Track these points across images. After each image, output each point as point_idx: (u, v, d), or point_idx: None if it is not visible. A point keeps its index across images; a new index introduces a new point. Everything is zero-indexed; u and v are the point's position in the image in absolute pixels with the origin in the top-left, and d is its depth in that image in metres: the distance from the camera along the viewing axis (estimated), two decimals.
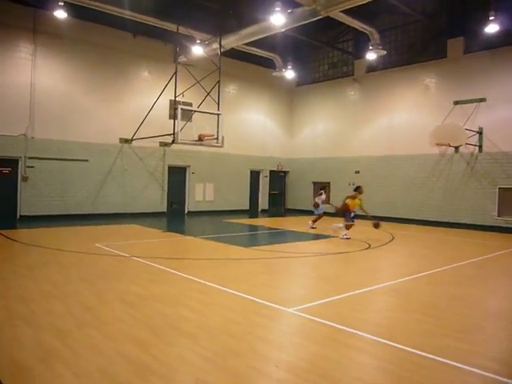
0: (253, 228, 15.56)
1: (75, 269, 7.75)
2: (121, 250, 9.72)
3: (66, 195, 16.01)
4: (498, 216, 16.45)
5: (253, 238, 13.70)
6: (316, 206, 15.93)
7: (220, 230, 14.50)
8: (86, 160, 16.44)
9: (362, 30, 16.32)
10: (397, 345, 4.43)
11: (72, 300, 5.78)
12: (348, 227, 13.00)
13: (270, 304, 5.81)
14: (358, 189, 13.56)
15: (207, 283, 6.80)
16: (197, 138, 15.55)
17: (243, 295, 6.23)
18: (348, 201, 13.00)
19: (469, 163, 17.37)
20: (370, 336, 4.67)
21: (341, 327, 4.96)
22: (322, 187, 16.66)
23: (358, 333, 4.80)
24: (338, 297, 6.31)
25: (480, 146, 17.01)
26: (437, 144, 16.42)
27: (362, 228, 16.04)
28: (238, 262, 8.91)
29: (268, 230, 14.99)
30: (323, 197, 15.99)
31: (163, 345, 4.34)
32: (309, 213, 22.12)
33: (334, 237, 13.27)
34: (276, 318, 5.30)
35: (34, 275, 7.08)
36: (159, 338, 4.51)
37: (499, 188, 16.54)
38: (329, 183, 22.25)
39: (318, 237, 13.23)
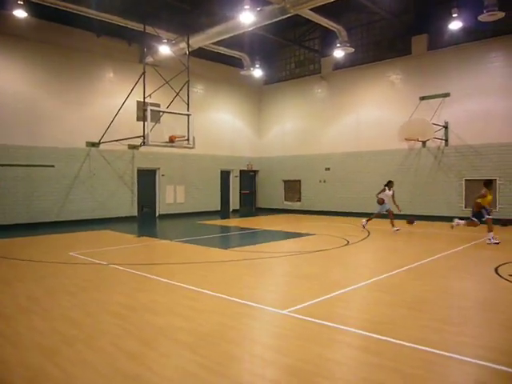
0: (227, 229, 15.38)
1: (52, 280, 7.37)
2: (97, 257, 9.36)
3: (31, 203, 15.35)
4: (465, 207, 16.92)
5: (230, 239, 13.53)
6: (381, 202, 14.51)
7: (195, 233, 14.25)
8: (52, 165, 15.81)
9: (329, 27, 16.42)
10: (398, 341, 4.40)
11: (54, 314, 5.47)
12: (472, 225, 11.53)
13: (262, 306, 5.70)
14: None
15: (195, 288, 6.61)
16: (167, 140, 15.23)
17: (234, 299, 6.08)
18: (480, 200, 11.34)
19: (436, 157, 17.81)
20: (369, 334, 4.63)
21: (338, 326, 4.90)
22: (386, 182, 14.85)
23: (357, 331, 4.76)
24: (328, 296, 6.26)
25: (446, 140, 17.48)
26: (405, 139, 16.74)
27: (336, 224, 16.22)
28: (221, 264, 8.74)
29: (243, 230, 14.86)
30: (389, 192, 14.54)
31: (159, 357, 4.14)
32: (280, 211, 22.20)
33: (311, 234, 13.28)
34: (271, 321, 5.18)
35: (11, 290, 6.68)
36: (154, 349, 4.31)
37: (465, 180, 17.05)
38: (299, 181, 22.38)
39: (294, 235, 13.19)
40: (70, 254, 9.91)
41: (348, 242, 11.59)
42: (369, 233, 13.54)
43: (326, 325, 4.98)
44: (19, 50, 15.20)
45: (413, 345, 4.32)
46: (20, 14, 13.30)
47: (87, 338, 4.63)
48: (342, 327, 4.89)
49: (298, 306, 5.70)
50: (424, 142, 17.31)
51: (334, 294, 6.36)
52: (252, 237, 13.72)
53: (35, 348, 4.35)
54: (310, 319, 5.16)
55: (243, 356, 4.18)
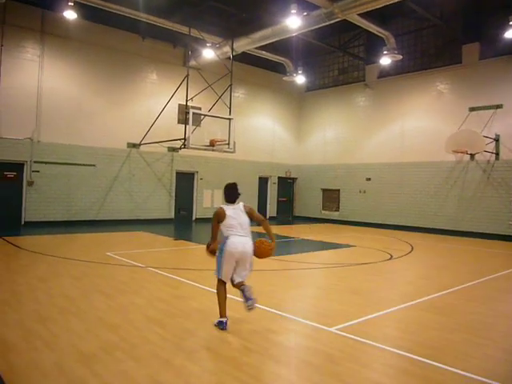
0: (266, 236, 15.08)
1: (89, 280, 7.26)
2: (134, 259, 9.23)
3: (71, 201, 15.52)
4: None
5: None
6: None
7: None
8: (93, 165, 15.98)
9: (377, 33, 15.92)
10: (462, 372, 3.95)
11: (91, 317, 5.28)
12: None
13: (308, 322, 5.33)
14: None
15: (235, 298, 6.30)
16: (207, 143, 15.11)
17: (277, 312, 5.75)
18: None
19: (485, 171, 16.93)
20: (428, 361, 4.19)
21: (392, 350, 4.48)
22: None
23: (413, 357, 4.32)
24: (377, 314, 5.84)
25: (497, 154, 16.59)
26: (453, 151, 15.97)
27: (376, 237, 15.59)
28: (261, 273, 8.41)
29: (282, 238, 14.48)
30: None
31: (202, 372, 3.85)
32: (317, 220, 21.69)
33: (351, 246, 12.79)
34: (320, 339, 4.80)
35: (48, 288, 6.59)
36: (196, 363, 4.03)
37: None
38: (338, 190, 21.84)
39: (335, 246, 12.74)
40: (107, 253, 9.84)
41: (391, 256, 11.05)
42: (412, 247, 12.91)
43: (377, 347, 4.58)
44: (66, 50, 15.47)
45: (480, 378, 3.86)
46: (70, 15, 13.51)
47: (127, 345, 4.39)
48: (396, 351, 4.46)
49: (346, 324, 5.31)
50: (473, 155, 16.48)
51: (382, 312, 5.93)
52: (292, 246, 13.34)
53: (73, 353, 4.15)
54: (359, 339, 4.77)
55: (292, 378, 3.83)
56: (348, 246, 12.88)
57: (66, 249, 10.40)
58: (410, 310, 6.17)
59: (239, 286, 5.15)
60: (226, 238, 5.11)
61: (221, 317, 5.05)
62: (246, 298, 5.01)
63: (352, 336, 4.88)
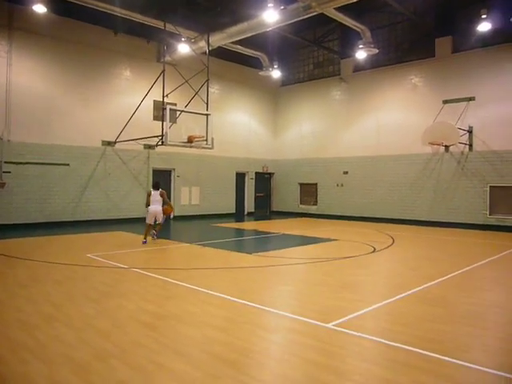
0: (246, 232, 14.94)
1: (73, 284, 6.98)
2: (116, 260, 8.96)
3: (45, 202, 15.00)
4: (490, 214, 16.39)
5: (251, 244, 13.07)
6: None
7: (213, 236, 13.81)
8: (67, 164, 15.47)
9: (353, 27, 15.96)
10: (470, 365, 3.94)
11: (80, 323, 5.05)
12: None
13: (304, 319, 5.25)
14: None
15: (226, 297, 6.18)
16: (185, 140, 14.83)
17: (269, 309, 5.65)
18: None
19: (459, 162, 17.27)
20: (433, 355, 4.15)
21: (393, 344, 4.44)
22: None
23: (415, 350, 4.29)
24: (371, 307, 5.81)
25: (470, 145, 16.94)
26: (430, 143, 16.22)
27: (356, 229, 15.68)
28: (248, 270, 8.31)
29: (262, 234, 14.41)
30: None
31: (205, 377, 3.71)
32: (295, 215, 21.72)
33: (333, 240, 12.82)
34: (319, 336, 4.72)
35: (30, 294, 6.29)
36: (197, 368, 3.88)
37: (490, 186, 16.49)
38: (316, 184, 21.91)
39: (317, 240, 12.72)
40: (88, 255, 9.53)
41: (374, 248, 11.11)
42: (393, 239, 13.03)
43: (378, 341, 4.54)
44: (36, 46, 14.89)
45: (486, 369, 3.86)
46: (39, 9, 13.03)
47: (120, 352, 4.21)
48: (397, 344, 4.42)
49: (342, 319, 5.25)
50: (447, 147, 16.77)
51: (375, 305, 5.92)
52: (273, 241, 13.27)
53: (65, 363, 3.94)
54: (358, 334, 4.72)
55: (300, 379, 3.73)
56: (330, 239, 12.89)
57: (44, 252, 10.01)
58: (403, 302, 6.17)
59: (154, 227, 12.01)
60: (149, 205, 11.68)
61: (144, 238, 11.54)
62: (154, 233, 11.97)
63: (350, 331, 4.83)
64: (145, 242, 11.38)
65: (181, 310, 5.58)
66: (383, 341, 4.55)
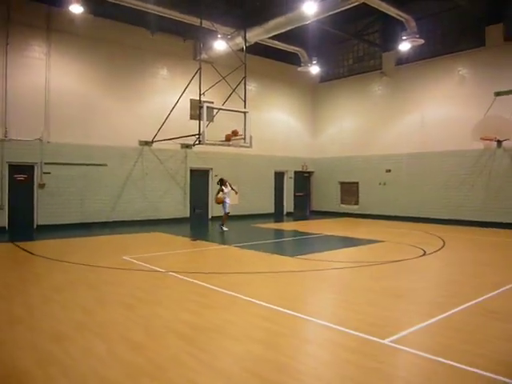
0: (286, 233, 14.37)
1: (107, 289, 6.69)
2: (153, 263, 8.66)
3: (84, 202, 15.02)
4: None
5: (292, 245, 12.46)
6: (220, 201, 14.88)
7: (253, 237, 13.36)
8: (105, 164, 15.45)
9: (397, 17, 15.11)
10: None
11: (112, 333, 4.70)
12: None
13: (356, 333, 4.69)
14: None
15: (269, 306, 5.70)
16: (223, 139, 14.48)
17: (317, 320, 5.13)
18: None
19: None
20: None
21: (466, 368, 3.83)
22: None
23: (491, 376, 3.67)
24: (431, 321, 5.18)
25: None
26: (481, 138, 15.16)
27: (402, 230, 14.84)
28: (291, 275, 7.80)
29: (303, 235, 13.83)
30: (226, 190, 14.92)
31: None
32: (336, 215, 21.00)
33: (379, 241, 12.11)
34: (375, 355, 4.15)
35: (64, 299, 6.03)
36: None
37: None
38: (357, 183, 21.12)
39: (362, 242, 12.06)
40: (124, 258, 9.29)
41: (424, 251, 10.35)
42: (443, 241, 12.18)
43: (448, 364, 3.93)
44: (73, 47, 14.92)
45: None
46: (76, 9, 12.95)
47: (155, 369, 3.81)
48: (471, 369, 3.80)
49: (399, 335, 4.67)
50: (500, 142, 15.66)
51: (435, 318, 5.27)
52: (315, 243, 12.68)
53: (94, 380, 3.57)
54: (423, 354, 4.12)
55: None
56: (375, 241, 12.18)
57: (80, 254, 9.87)
58: (465, 314, 5.50)
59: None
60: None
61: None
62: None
63: (411, 350, 4.25)
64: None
65: (221, 321, 5.13)
66: (455, 364, 3.92)
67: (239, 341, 4.50)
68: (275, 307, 5.63)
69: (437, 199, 18.03)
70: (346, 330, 4.80)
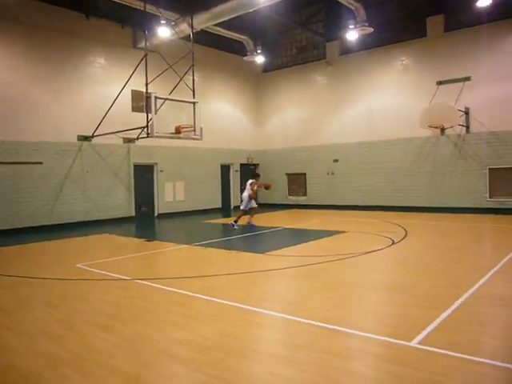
0: (244, 229, 13.65)
1: (70, 307, 5.64)
2: (112, 270, 7.69)
3: (18, 205, 13.41)
4: (490, 197, 15.86)
5: (256, 241, 11.65)
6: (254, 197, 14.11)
7: (210, 234, 12.57)
8: (40, 162, 13.89)
9: (348, 5, 14.94)
10: None
11: (94, 367, 3.82)
12: None
13: (378, 337, 4.20)
14: None
15: (270, 313, 5.05)
16: (168, 131, 13.48)
17: (328, 326, 4.56)
18: None
19: (456, 145, 16.66)
20: None
21: (508, 366, 3.47)
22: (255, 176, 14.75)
23: None
24: (446, 315, 4.80)
25: (467, 127, 16.33)
26: (429, 126, 15.46)
27: (359, 219, 14.75)
28: (272, 274, 7.21)
29: (262, 229, 13.25)
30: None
31: None
32: (284, 207, 20.71)
33: (342, 232, 11.84)
34: (410, 361, 3.64)
35: (15, 325, 4.99)
36: None
37: (489, 169, 15.94)
38: (304, 174, 20.96)
39: (325, 233, 11.68)
40: (78, 265, 8.20)
41: (393, 240, 10.20)
42: (404, 229, 12.17)
43: (484, 362, 3.55)
44: (1, 32, 13.21)
45: None
46: None
47: None
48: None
49: (423, 334, 4.25)
50: (443, 130, 16.10)
51: (447, 312, 4.91)
52: (279, 237, 12.11)
53: None
54: (457, 355, 3.72)
55: None
56: (338, 232, 11.91)
57: (23, 264, 8.60)
58: (474, 305, 5.21)
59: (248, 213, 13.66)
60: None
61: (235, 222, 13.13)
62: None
63: (445, 351, 3.83)
64: (233, 226, 13.25)
65: (219, 335, 4.39)
66: (495, 362, 3.56)
67: (256, 360, 3.83)
68: (278, 314, 5.00)
69: (385, 187, 18.28)
70: (366, 335, 4.29)
